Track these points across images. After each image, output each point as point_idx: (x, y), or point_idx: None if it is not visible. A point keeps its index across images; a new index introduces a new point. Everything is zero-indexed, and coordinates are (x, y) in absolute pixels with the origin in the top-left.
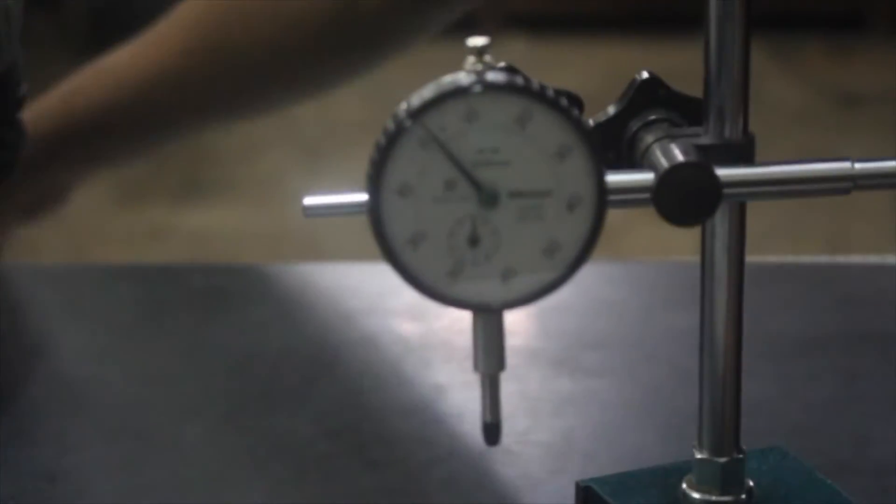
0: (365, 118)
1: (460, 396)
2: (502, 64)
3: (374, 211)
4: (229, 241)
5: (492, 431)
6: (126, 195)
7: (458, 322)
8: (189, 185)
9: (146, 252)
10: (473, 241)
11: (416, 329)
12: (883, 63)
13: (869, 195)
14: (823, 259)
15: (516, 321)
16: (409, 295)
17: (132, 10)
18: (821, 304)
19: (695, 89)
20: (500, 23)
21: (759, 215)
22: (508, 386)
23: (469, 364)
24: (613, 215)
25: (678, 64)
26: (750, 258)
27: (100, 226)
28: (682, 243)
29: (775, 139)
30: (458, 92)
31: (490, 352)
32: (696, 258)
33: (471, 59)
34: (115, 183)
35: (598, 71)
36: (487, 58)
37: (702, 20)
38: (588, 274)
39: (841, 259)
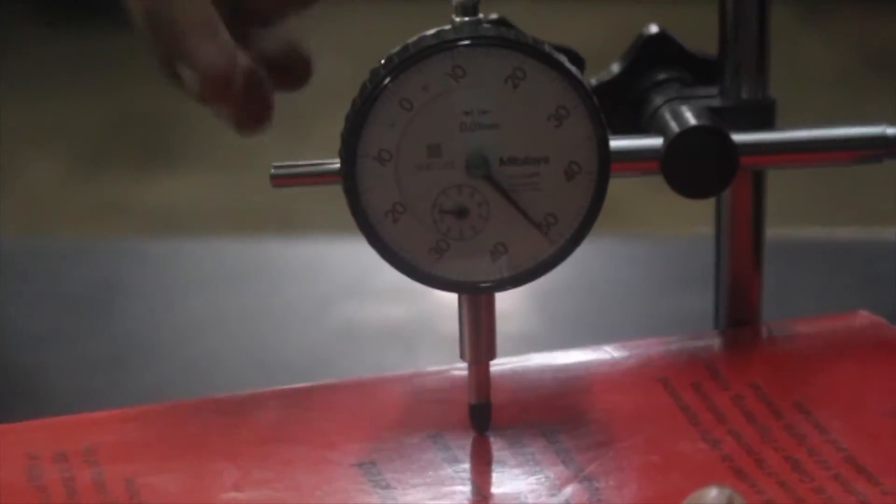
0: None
1: None
2: (494, 16)
3: (349, 179)
4: (198, 216)
5: (479, 414)
6: (85, 165)
7: (447, 304)
8: (154, 154)
9: (106, 227)
10: (460, 213)
11: (399, 312)
12: None
13: None
14: (854, 234)
15: (509, 303)
16: (391, 274)
17: None
18: (846, 284)
19: (709, 46)
20: None
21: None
22: None
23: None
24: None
25: (692, 19)
26: (770, 232)
27: (56, 198)
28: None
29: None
30: (443, 46)
31: (478, 338)
32: (710, 232)
33: (458, 11)
34: (73, 151)
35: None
36: (477, 9)
37: None
38: (589, 251)
39: (873, 234)
